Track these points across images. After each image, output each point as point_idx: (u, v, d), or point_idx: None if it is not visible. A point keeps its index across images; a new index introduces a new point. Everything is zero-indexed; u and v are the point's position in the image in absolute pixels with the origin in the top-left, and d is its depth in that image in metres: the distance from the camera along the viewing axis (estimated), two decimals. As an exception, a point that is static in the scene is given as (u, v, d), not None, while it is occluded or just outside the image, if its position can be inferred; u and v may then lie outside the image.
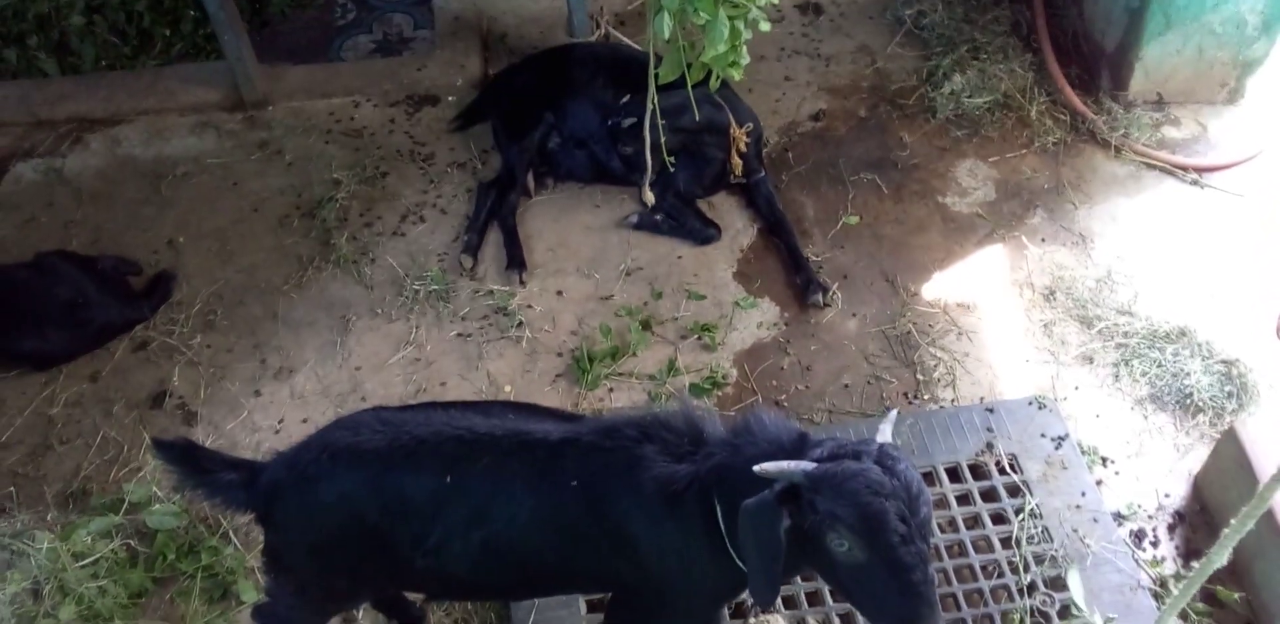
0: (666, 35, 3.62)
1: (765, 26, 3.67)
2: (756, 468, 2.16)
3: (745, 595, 3.09)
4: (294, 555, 2.60)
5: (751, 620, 3.02)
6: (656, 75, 3.84)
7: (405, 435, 2.41)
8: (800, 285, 4.24)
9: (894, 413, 2.38)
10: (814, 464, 2.17)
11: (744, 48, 3.70)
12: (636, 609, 2.58)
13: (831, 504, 2.11)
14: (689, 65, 3.79)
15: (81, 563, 3.19)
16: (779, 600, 2.98)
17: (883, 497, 2.10)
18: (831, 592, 3.19)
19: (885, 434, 2.27)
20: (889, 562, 2.12)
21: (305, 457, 2.47)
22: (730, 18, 3.61)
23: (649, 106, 3.94)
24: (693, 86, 3.82)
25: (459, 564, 2.46)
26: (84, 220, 4.69)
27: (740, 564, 2.33)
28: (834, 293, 4.19)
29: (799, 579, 3.21)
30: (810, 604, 3.18)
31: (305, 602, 2.70)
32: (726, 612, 3.08)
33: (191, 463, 2.54)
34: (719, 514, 2.30)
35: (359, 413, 2.59)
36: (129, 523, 3.43)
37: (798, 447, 2.24)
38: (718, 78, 3.79)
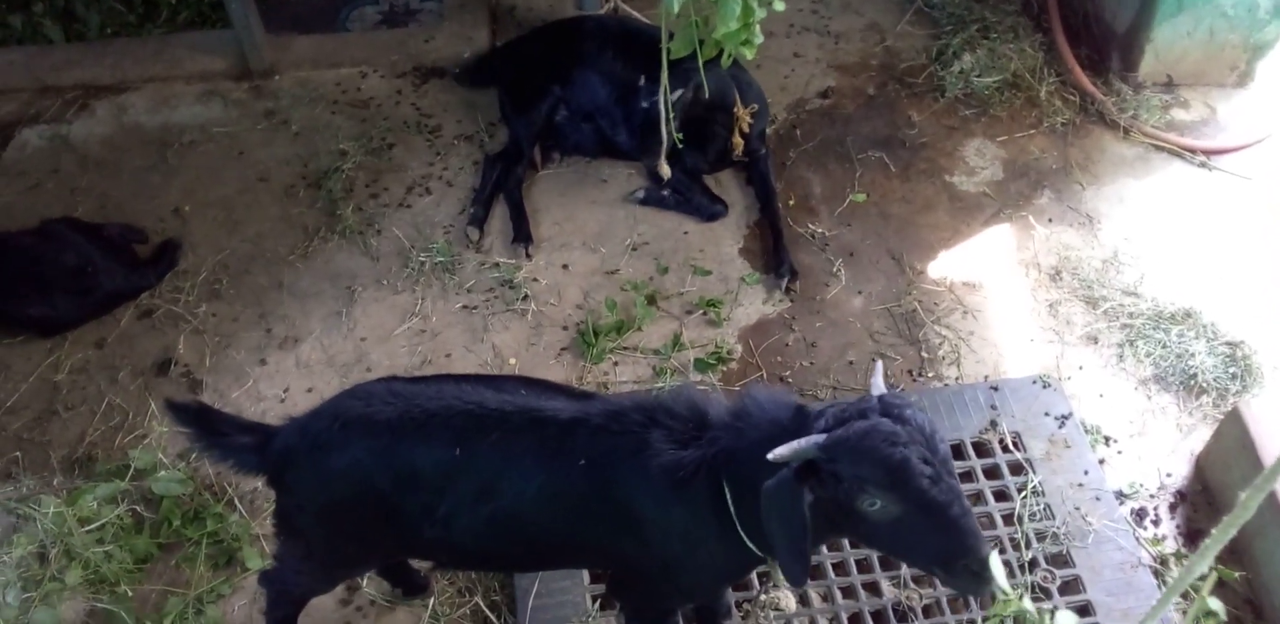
0: (676, 10, 3.60)
1: (780, 6, 3.64)
2: (770, 455, 2.13)
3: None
4: (304, 519, 2.61)
5: (761, 597, 3.04)
6: (669, 51, 3.82)
7: (416, 408, 2.41)
8: (774, 265, 4.23)
9: (879, 364, 2.35)
10: (824, 436, 2.16)
11: (757, 26, 3.68)
12: (640, 587, 2.60)
13: (853, 468, 2.10)
14: (701, 42, 3.78)
15: (87, 528, 3.20)
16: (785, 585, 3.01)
17: (900, 445, 2.09)
18: (835, 564, 3.22)
19: (879, 385, 2.26)
20: (925, 506, 2.10)
21: (317, 424, 2.47)
22: (744, -4, 3.59)
23: (662, 82, 3.91)
24: (704, 63, 3.80)
25: (466, 536, 2.48)
26: (90, 187, 4.68)
27: (750, 545, 2.34)
28: (795, 288, 4.14)
29: (831, 572, 3.21)
30: (812, 577, 3.19)
31: (313, 566, 2.72)
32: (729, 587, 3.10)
33: (205, 425, 2.55)
34: (728, 497, 2.31)
35: (371, 383, 2.59)
36: (135, 489, 3.44)
37: (799, 422, 2.23)
38: (729, 56, 3.77)
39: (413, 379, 2.59)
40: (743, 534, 2.34)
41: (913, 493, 2.10)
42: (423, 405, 2.42)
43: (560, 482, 2.40)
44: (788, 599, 3.04)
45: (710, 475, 2.32)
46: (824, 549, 3.25)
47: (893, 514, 2.13)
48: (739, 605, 3.11)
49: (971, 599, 3.14)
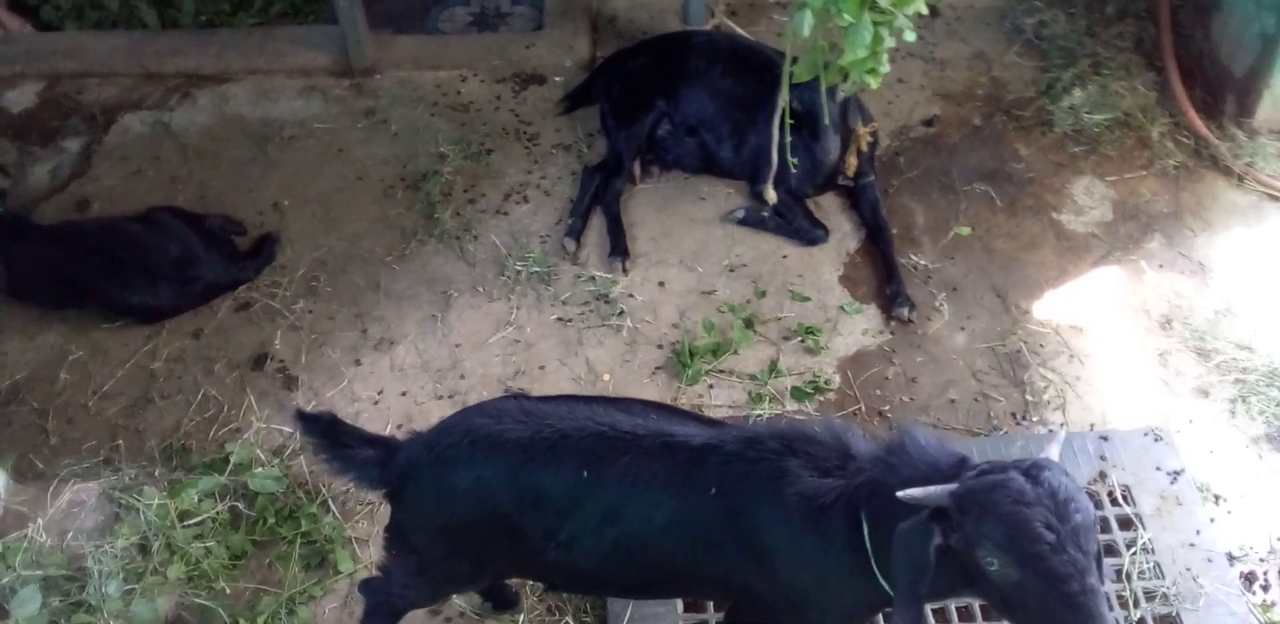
0: (806, 33, 3.55)
1: (910, 37, 3.60)
2: (901, 494, 2.11)
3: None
4: (421, 536, 2.59)
5: None
6: (791, 74, 3.78)
7: (548, 428, 2.40)
8: (889, 296, 4.17)
9: (1063, 433, 2.29)
10: (957, 485, 2.11)
11: (885, 55, 3.63)
12: (762, 619, 2.54)
13: (976, 521, 2.05)
14: (825, 66, 3.74)
15: (187, 522, 3.20)
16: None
17: (1024, 504, 2.01)
18: (934, 611, 3.15)
19: (1051, 454, 2.20)
20: (1041, 573, 2.01)
21: (445, 440, 2.45)
22: (875, 23, 3.54)
23: (779, 105, 3.87)
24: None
25: (588, 560, 2.45)
26: (190, 176, 4.71)
27: (883, 583, 2.29)
28: (912, 315, 4.08)
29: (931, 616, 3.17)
30: None
31: (424, 582, 2.70)
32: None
33: (332, 436, 2.54)
34: (865, 531, 2.26)
35: (501, 400, 2.57)
36: (232, 484, 3.43)
37: (956, 471, 2.18)
38: (854, 83, 3.72)
39: (543, 398, 2.57)
40: (876, 571, 2.28)
41: (1028, 558, 2.02)
42: (554, 425, 2.40)
43: (690, 508, 2.36)
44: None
45: (849, 507, 2.27)
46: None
47: (1011, 578, 2.06)
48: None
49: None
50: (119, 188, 4.67)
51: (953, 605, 3.19)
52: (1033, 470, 2.08)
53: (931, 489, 2.11)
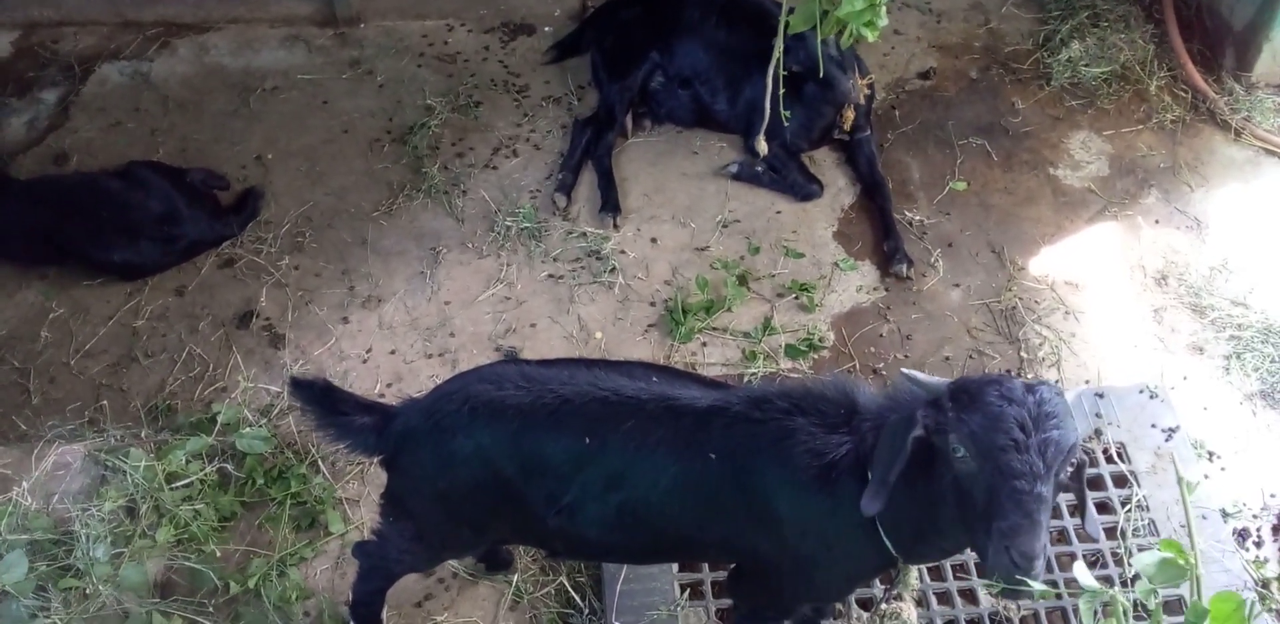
0: (801, -18, 3.46)
1: None
2: (904, 371, 2.18)
3: (879, 592, 3.07)
4: (419, 503, 2.55)
5: (883, 606, 2.97)
6: (787, 23, 3.69)
7: (549, 393, 2.35)
8: (888, 252, 4.12)
9: (1082, 387, 2.27)
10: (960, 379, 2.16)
11: (883, 8, 3.54)
12: (766, 582, 2.52)
13: (959, 408, 2.09)
14: (823, 17, 3.64)
15: (175, 484, 3.15)
16: (909, 592, 2.95)
17: (1008, 402, 2.05)
18: (960, 592, 3.13)
19: (1069, 396, 2.17)
20: (998, 467, 2.03)
21: (445, 407, 2.40)
22: (873, -25, 3.44)
23: (774, 55, 3.78)
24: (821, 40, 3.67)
25: (592, 526, 2.42)
26: (171, 129, 4.59)
27: (887, 543, 2.27)
28: (910, 272, 4.04)
29: (926, 575, 3.17)
30: (940, 603, 3.11)
31: (422, 547, 2.66)
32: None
33: (327, 403, 2.48)
34: None
35: (501, 365, 2.52)
36: (219, 444, 3.38)
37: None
38: (850, 35, 3.63)
39: (543, 363, 2.52)
40: (881, 531, 2.27)
41: (991, 450, 2.04)
42: (556, 391, 2.35)
43: (696, 472, 2.34)
44: (909, 610, 2.97)
45: (856, 463, 2.26)
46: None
47: (969, 468, 2.08)
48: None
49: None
50: (98, 140, 4.55)
51: (931, 592, 3.18)
52: (1033, 383, 2.13)
53: (934, 378, 2.18)
